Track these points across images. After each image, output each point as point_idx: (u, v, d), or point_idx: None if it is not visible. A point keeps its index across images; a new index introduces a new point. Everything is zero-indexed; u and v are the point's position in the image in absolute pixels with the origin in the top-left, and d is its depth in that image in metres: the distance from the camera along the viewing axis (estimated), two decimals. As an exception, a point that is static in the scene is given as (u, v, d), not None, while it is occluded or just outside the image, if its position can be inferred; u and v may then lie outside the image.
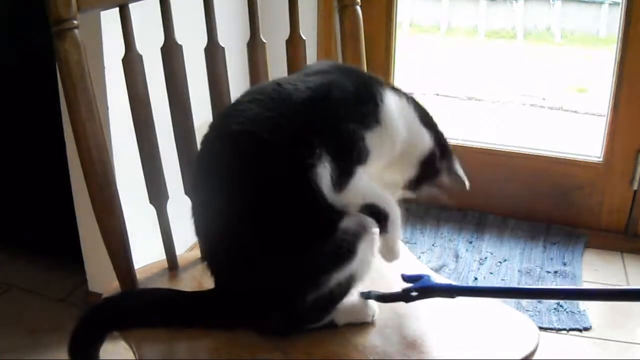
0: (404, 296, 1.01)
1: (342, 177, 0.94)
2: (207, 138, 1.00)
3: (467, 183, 1.09)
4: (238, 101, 1.00)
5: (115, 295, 1.04)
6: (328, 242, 0.92)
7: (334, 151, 0.93)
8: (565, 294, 1.34)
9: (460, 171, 1.09)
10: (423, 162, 1.05)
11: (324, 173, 0.92)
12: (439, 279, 1.06)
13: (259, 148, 0.92)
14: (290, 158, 0.91)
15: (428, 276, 1.03)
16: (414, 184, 1.07)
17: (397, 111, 1.01)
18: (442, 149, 1.07)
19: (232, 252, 0.96)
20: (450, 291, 1.00)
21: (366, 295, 1.03)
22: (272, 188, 0.92)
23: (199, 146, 1.04)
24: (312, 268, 0.93)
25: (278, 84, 0.99)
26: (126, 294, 1.05)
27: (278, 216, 0.92)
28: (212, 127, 1.01)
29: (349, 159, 0.95)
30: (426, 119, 1.06)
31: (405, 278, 1.05)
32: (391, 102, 1.01)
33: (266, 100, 0.95)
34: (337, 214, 0.94)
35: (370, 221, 0.97)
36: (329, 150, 0.92)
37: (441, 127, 1.09)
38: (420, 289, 1.01)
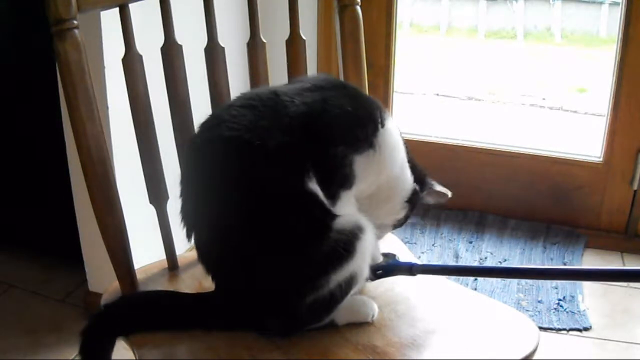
0: (369, 275, 1.03)
1: (329, 198, 0.95)
2: (197, 141, 0.99)
3: (448, 193, 1.11)
4: (230, 105, 0.99)
5: (116, 301, 1.03)
6: (323, 243, 0.92)
7: (321, 173, 0.93)
8: (528, 273, 1.37)
9: (438, 187, 1.11)
10: (408, 201, 1.07)
11: (316, 187, 0.93)
12: (405, 257, 1.11)
13: (252, 155, 0.91)
14: (283, 169, 0.91)
15: (394, 255, 1.09)
16: (402, 220, 1.10)
17: (396, 141, 1.01)
18: (421, 183, 1.08)
19: (229, 256, 0.96)
20: (411, 269, 1.04)
21: None
22: (264, 192, 0.92)
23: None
24: (310, 269, 0.93)
25: (276, 93, 0.98)
26: (126, 298, 1.05)
27: (272, 219, 0.92)
28: (203, 130, 0.99)
29: (335, 183, 0.96)
30: (409, 155, 1.07)
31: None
32: (393, 130, 1.01)
33: (261, 108, 0.95)
34: (330, 213, 0.95)
35: (366, 221, 0.98)
36: (317, 171, 0.93)
37: (417, 163, 1.10)
38: (384, 267, 1.05)
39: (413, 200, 1.07)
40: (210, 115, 1.01)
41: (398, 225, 1.11)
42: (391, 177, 1.03)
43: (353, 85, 1.12)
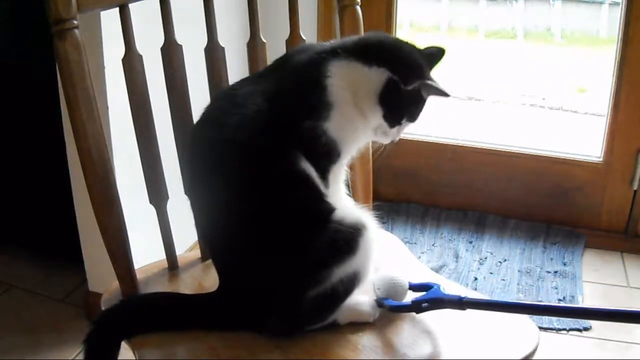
0: (414, 307, 1.00)
1: (320, 174, 0.95)
2: (191, 145, 1.01)
3: (446, 91, 1.00)
4: (204, 112, 1.01)
5: (116, 306, 1.02)
6: (323, 233, 0.92)
7: (305, 153, 0.93)
8: (578, 313, 1.24)
9: (434, 83, 1.01)
10: (382, 96, 0.98)
11: (309, 167, 0.93)
12: (448, 286, 1.03)
13: (233, 149, 0.93)
14: (269, 154, 0.92)
15: (438, 285, 1.02)
16: (395, 116, 1.01)
17: (341, 82, 0.97)
18: (404, 73, 0.99)
19: (231, 251, 0.97)
20: (461, 303, 0.97)
21: (379, 304, 1.02)
22: (255, 180, 0.92)
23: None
24: (310, 261, 0.93)
25: (233, 88, 1.00)
26: (126, 302, 1.04)
27: (269, 211, 0.92)
28: (193, 135, 1.02)
29: (321, 157, 0.95)
30: (376, 55, 0.99)
31: (413, 286, 1.05)
32: (334, 77, 0.97)
33: (227, 105, 0.96)
34: (328, 203, 0.95)
35: (368, 216, 0.98)
36: (302, 152, 0.93)
37: (407, 55, 1.02)
38: (431, 300, 0.99)
39: (390, 91, 0.98)
40: (193, 127, 1.03)
41: (397, 120, 1.01)
42: (354, 100, 0.98)
43: (297, 49, 1.07)
